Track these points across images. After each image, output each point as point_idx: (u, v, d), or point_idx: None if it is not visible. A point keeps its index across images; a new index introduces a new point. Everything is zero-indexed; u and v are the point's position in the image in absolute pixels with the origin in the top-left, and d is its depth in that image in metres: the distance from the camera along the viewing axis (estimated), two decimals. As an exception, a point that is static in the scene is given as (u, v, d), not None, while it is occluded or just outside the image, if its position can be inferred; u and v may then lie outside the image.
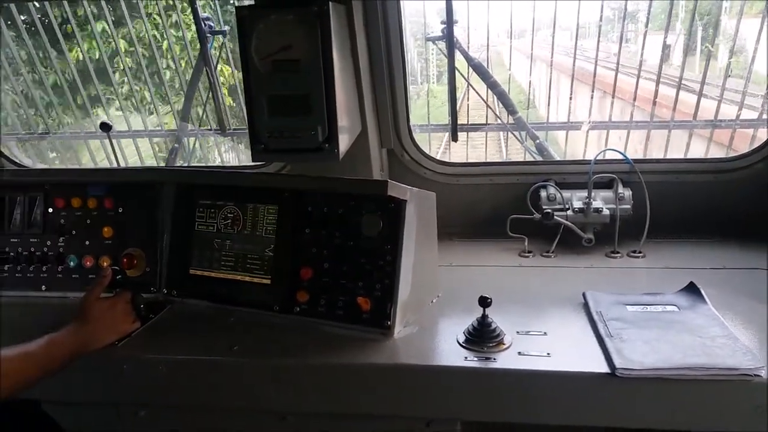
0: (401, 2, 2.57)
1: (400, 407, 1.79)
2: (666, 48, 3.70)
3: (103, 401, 2.03)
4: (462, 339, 1.83)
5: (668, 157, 3.77)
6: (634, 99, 3.83)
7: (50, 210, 2.37)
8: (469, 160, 4.09)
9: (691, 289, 2.07)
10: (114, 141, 3.03)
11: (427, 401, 1.77)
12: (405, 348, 1.86)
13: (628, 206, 2.63)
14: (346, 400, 1.83)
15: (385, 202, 1.95)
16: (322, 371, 1.82)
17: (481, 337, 1.80)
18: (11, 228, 2.38)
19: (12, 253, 2.37)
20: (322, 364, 1.81)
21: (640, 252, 2.55)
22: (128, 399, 2.00)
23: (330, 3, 2.02)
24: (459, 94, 3.64)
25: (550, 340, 1.82)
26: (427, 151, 2.94)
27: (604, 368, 1.65)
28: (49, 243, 2.36)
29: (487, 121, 4.13)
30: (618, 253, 2.56)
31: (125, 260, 2.25)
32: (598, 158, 2.68)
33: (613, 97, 3.95)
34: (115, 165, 3.03)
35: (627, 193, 2.65)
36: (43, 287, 2.34)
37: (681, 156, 3.82)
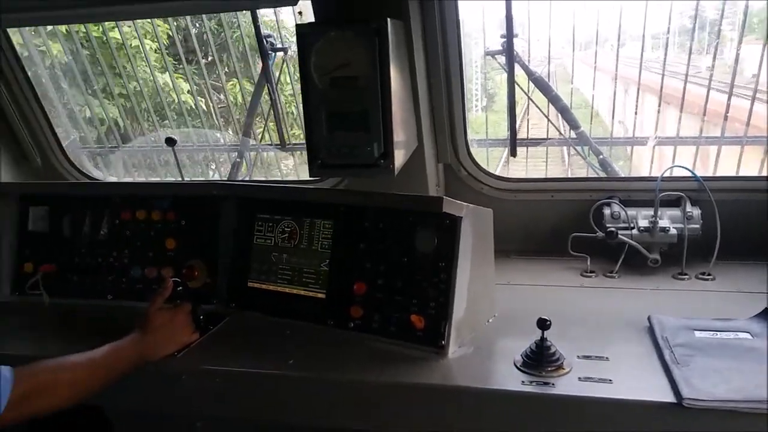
0: (460, 17, 2.56)
1: (452, 430, 1.75)
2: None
3: (162, 411, 2.06)
4: (519, 362, 1.78)
5: (740, 174, 3.59)
6: (704, 113, 3.66)
7: (117, 222, 2.46)
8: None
9: (766, 316, 1.95)
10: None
11: (481, 425, 1.72)
12: (459, 369, 1.82)
13: (697, 226, 2.52)
14: (397, 419, 1.80)
15: (440, 218, 1.93)
16: (374, 389, 1.80)
17: (540, 360, 1.74)
18: (81, 238, 2.49)
19: (80, 263, 2.47)
20: (375, 382, 1.80)
21: (709, 274, 2.43)
22: (185, 409, 2.03)
23: (389, 20, 2.02)
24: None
25: (613, 366, 1.74)
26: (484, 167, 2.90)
27: (669, 398, 1.56)
28: (114, 254, 2.45)
29: (548, 135, 4.03)
30: (686, 275, 2.45)
31: (186, 272, 2.30)
32: (665, 175, 2.58)
33: (681, 111, 3.79)
34: (179, 179, 3.12)
35: (696, 212, 2.53)
36: (109, 296, 2.43)
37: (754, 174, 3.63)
